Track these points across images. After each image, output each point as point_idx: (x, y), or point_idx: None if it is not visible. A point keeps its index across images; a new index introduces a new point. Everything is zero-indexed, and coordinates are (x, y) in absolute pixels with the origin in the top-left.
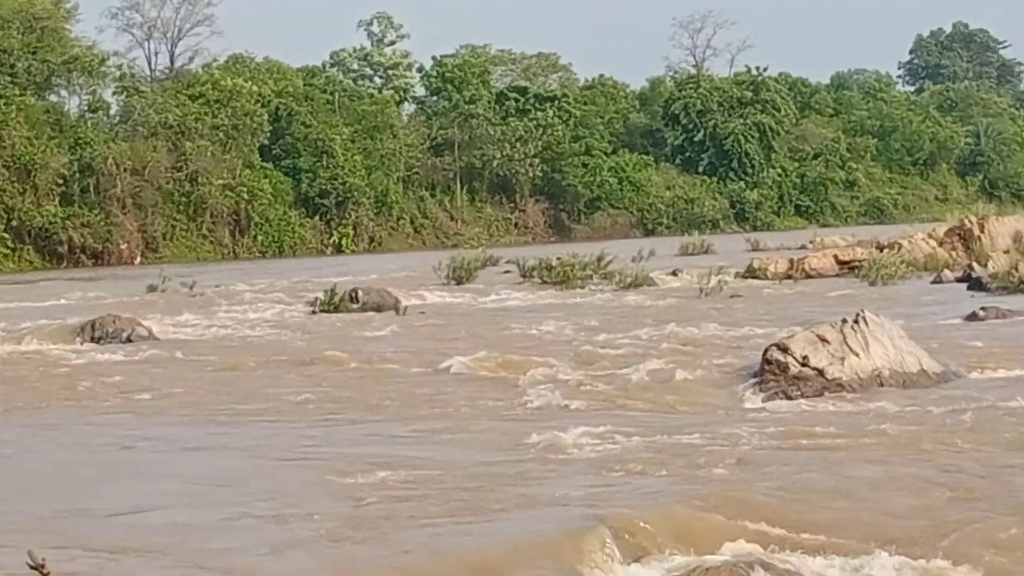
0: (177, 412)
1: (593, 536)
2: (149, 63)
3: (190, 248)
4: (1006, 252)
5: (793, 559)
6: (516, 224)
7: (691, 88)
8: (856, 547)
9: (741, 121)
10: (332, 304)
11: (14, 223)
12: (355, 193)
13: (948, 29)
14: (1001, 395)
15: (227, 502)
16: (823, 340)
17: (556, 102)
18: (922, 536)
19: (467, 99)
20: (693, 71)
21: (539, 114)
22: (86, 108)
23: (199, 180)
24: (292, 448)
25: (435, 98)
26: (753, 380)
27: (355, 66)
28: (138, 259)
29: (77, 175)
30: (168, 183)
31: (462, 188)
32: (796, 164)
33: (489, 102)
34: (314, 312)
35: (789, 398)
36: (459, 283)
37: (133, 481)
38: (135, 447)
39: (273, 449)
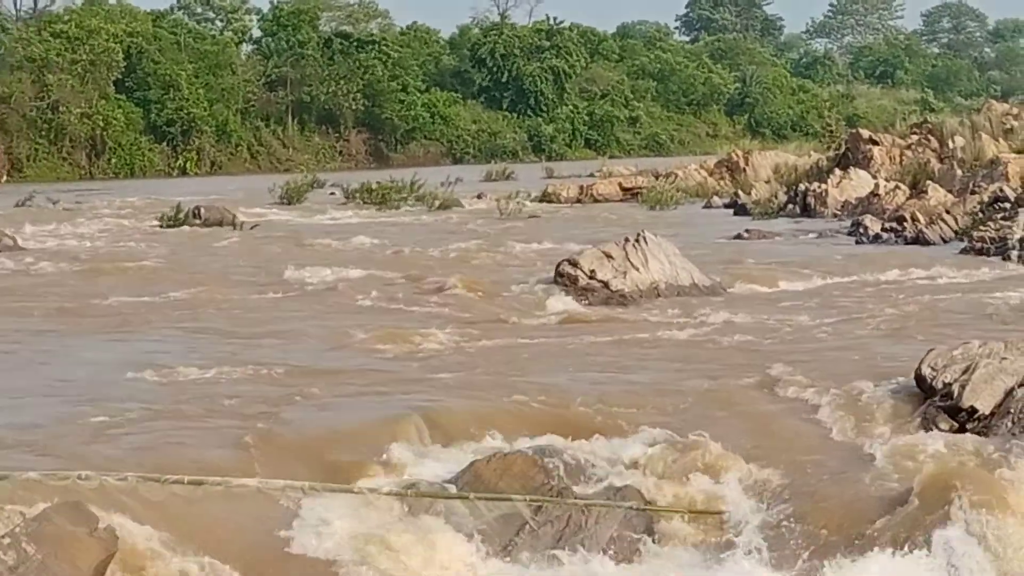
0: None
1: (407, 422)
2: (15, 3)
3: (51, 169)
4: (767, 182)
5: (581, 445)
6: (341, 152)
7: (495, 35)
8: (628, 428)
9: (538, 64)
10: (177, 220)
11: None
12: (198, 122)
13: None
14: (754, 305)
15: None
16: (608, 256)
17: (376, 46)
18: (681, 415)
19: (299, 41)
20: (497, 20)
21: (361, 55)
22: None
23: (60, 109)
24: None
25: (270, 40)
26: (547, 290)
27: (199, 10)
28: (3, 178)
29: None
30: (32, 111)
31: (293, 120)
32: (586, 103)
33: (317, 44)
34: (161, 227)
35: (579, 307)
36: (290, 203)
37: None
38: None
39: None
